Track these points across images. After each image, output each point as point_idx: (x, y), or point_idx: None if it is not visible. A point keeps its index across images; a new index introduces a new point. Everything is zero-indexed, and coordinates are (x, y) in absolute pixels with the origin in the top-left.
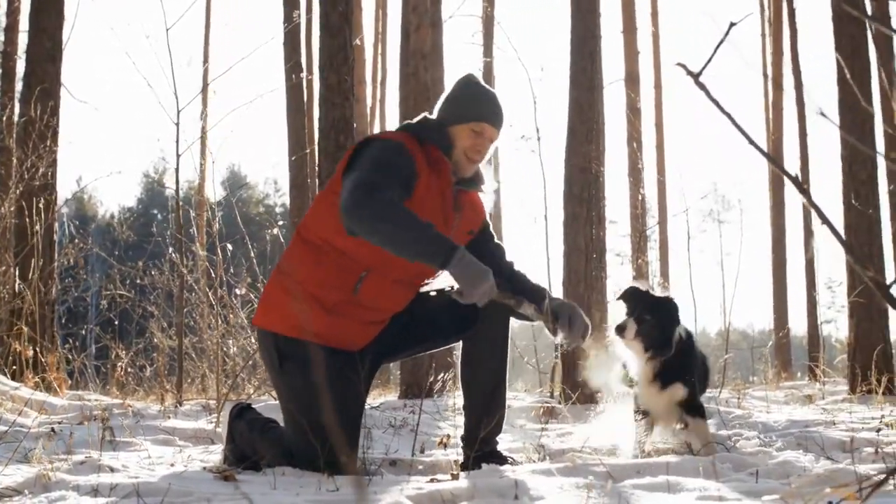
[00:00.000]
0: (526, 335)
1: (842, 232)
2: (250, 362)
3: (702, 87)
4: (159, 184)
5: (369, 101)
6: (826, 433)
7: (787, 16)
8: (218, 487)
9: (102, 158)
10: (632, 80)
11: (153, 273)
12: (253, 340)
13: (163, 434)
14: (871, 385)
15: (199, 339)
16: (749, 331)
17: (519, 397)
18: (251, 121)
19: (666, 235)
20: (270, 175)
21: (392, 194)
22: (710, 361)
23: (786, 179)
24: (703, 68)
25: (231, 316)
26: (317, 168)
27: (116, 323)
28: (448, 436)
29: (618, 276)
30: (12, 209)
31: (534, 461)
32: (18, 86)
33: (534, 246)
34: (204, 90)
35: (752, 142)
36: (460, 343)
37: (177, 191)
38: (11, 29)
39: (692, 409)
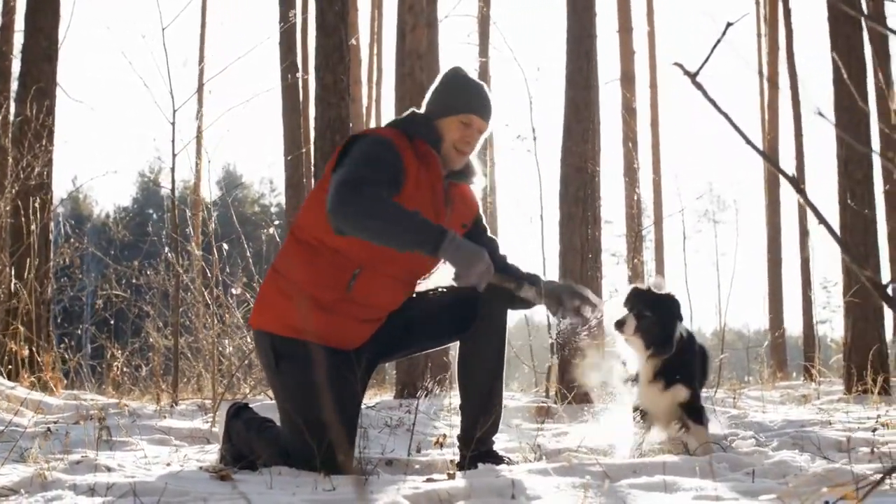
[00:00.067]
0: (522, 335)
1: (838, 232)
2: (246, 362)
3: (698, 86)
4: (155, 183)
5: (365, 101)
6: (822, 433)
7: (782, 15)
8: (214, 487)
9: (98, 158)
10: (628, 79)
11: (149, 273)
12: (248, 340)
13: (159, 434)
14: (866, 385)
15: (195, 339)
16: (745, 331)
17: (515, 397)
18: (247, 120)
19: (661, 235)
20: (266, 175)
21: (379, 190)
22: (710, 353)
23: (782, 179)
24: (701, 68)
25: (227, 316)
26: (313, 168)
27: (112, 322)
28: (444, 435)
29: (613, 276)
30: (8, 209)
31: (530, 461)
32: (14, 85)
33: (529, 246)
34: (200, 90)
35: (748, 141)
36: (457, 343)
37: (172, 190)
38: (7, 28)
39: (693, 411)
